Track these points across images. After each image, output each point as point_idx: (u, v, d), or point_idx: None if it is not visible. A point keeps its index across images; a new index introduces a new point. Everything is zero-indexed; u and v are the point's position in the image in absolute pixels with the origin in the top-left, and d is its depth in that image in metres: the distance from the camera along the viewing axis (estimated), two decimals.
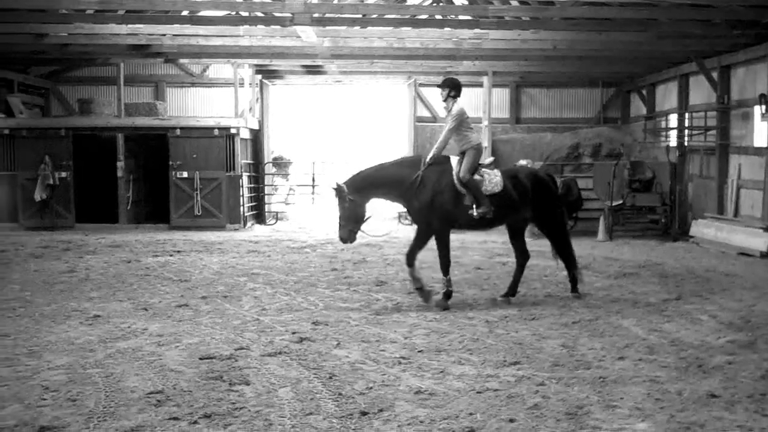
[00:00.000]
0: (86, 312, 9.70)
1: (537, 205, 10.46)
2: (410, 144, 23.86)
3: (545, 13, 15.55)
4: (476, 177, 10.06)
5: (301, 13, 14.05)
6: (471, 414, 5.80)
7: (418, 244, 10.21)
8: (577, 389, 6.42)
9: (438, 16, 17.02)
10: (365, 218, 10.09)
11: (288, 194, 27.24)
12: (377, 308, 9.90)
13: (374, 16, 15.57)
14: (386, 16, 15.64)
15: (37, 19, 15.74)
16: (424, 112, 24.36)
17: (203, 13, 16.19)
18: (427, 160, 10.11)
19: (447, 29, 16.62)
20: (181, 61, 22.43)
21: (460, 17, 16.23)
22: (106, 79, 23.10)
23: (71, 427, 5.60)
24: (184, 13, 15.93)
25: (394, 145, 24.14)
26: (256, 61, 21.47)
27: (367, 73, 23.00)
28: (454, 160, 10.17)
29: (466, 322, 9.04)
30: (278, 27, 16.06)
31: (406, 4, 15.44)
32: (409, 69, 22.52)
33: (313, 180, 23.82)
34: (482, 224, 10.28)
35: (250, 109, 22.55)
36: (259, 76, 23.12)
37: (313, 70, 22.85)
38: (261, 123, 23.26)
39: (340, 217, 10.02)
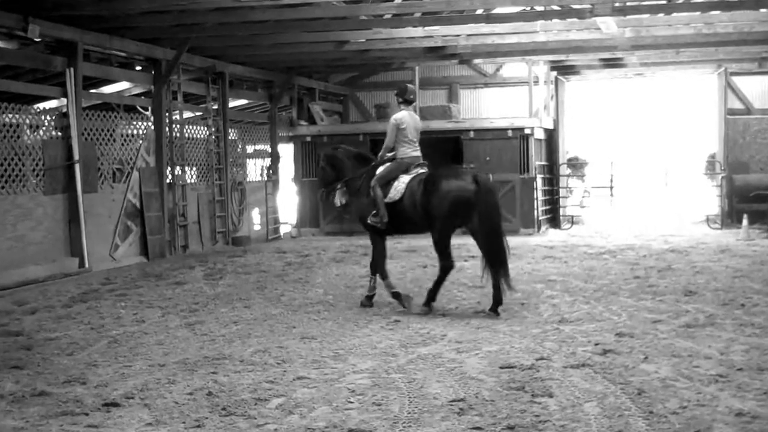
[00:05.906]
0: (386, 316, 9.84)
1: (426, 211, 9.94)
2: (720, 139, 22.11)
3: None
4: (388, 187, 10.19)
5: (602, 3, 13.43)
6: None
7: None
8: None
9: None
10: (334, 185, 11.01)
11: (583, 197, 26.42)
12: (687, 320, 9.15)
13: (680, 1, 14.54)
14: (694, 1, 14.53)
15: (338, 27, 16.42)
16: (736, 104, 22.40)
17: (498, 10, 16.03)
18: (379, 156, 10.71)
19: (764, 10, 15.12)
20: (475, 61, 22.48)
21: None
22: (401, 84, 23.73)
23: (377, 431, 5.61)
24: (479, 11, 15.87)
25: (701, 140, 22.49)
26: (551, 57, 21.02)
27: (671, 63, 21.73)
28: (382, 168, 10.44)
29: None
30: (575, 20, 15.54)
31: None
32: (719, 57, 20.90)
33: (611, 181, 22.86)
34: (399, 230, 10.65)
35: (545, 107, 22.09)
36: (554, 73, 22.62)
37: (612, 64, 21.99)
38: (556, 122, 22.73)
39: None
